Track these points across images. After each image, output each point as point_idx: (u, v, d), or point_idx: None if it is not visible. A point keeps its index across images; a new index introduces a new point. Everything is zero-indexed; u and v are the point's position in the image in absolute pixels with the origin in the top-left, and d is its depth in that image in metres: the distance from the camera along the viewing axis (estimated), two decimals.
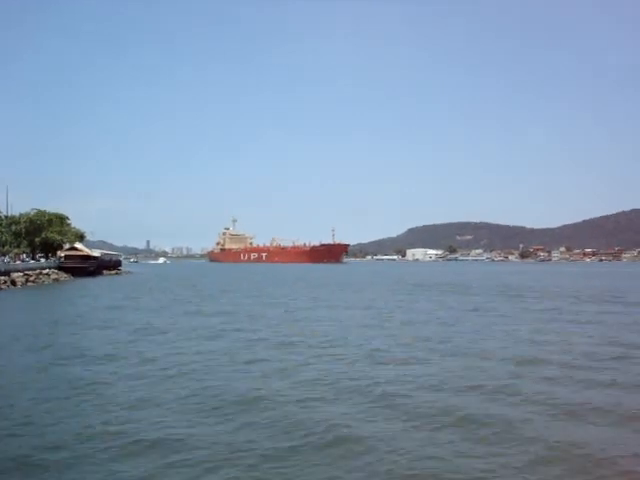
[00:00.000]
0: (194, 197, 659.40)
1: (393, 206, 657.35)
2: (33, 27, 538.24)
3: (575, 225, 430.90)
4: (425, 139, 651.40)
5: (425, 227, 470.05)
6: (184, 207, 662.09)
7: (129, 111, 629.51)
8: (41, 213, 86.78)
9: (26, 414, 12.32)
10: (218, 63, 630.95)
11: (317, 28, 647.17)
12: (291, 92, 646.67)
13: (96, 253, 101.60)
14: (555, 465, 9.51)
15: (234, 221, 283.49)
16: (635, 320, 30.19)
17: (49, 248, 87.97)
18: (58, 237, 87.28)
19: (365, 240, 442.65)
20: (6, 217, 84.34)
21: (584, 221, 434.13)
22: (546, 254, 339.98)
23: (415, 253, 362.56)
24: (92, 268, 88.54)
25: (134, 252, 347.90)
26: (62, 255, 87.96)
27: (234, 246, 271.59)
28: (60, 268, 79.86)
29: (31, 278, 64.06)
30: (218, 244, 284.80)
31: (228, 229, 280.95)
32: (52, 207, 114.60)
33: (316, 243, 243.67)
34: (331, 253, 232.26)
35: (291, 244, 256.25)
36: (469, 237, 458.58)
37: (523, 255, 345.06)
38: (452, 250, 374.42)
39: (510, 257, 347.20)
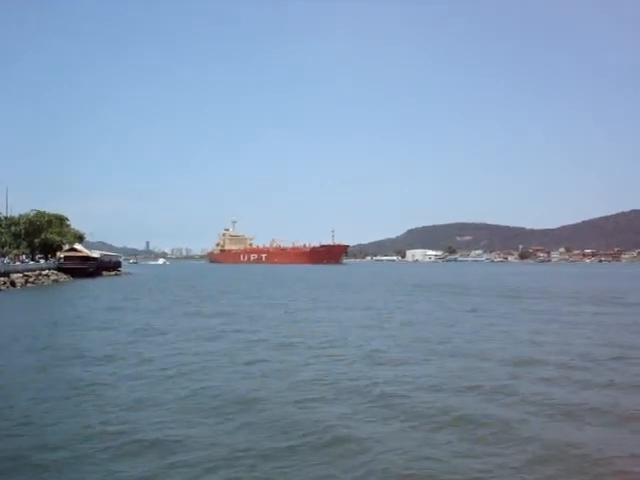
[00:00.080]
0: (194, 197, 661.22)
1: (393, 207, 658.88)
2: (33, 27, 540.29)
3: (574, 226, 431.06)
4: (425, 139, 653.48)
5: (425, 228, 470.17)
6: (184, 207, 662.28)
7: (129, 111, 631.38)
8: (40, 214, 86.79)
9: (26, 414, 12.36)
10: (218, 63, 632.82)
11: (317, 28, 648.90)
12: (291, 92, 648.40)
13: (95, 254, 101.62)
14: (552, 465, 9.55)
15: (234, 222, 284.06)
16: (634, 321, 30.23)
17: (48, 249, 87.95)
18: (57, 238, 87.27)
19: (365, 241, 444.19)
20: (5, 218, 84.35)
21: (584, 222, 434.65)
22: (545, 255, 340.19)
23: (415, 254, 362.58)
24: (91, 269, 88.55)
25: (133, 253, 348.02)
26: (61, 256, 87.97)
27: (234, 247, 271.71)
28: (59, 269, 79.88)
29: (30, 279, 64.07)
30: (218, 245, 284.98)
31: (228, 230, 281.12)
32: (52, 207, 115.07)
33: (316, 244, 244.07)
34: (331, 254, 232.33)
35: (291, 245, 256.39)
36: (469, 238, 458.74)
37: (523, 256, 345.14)
38: (451, 251, 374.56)
39: (510, 258, 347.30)
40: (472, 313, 34.37)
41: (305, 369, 17.28)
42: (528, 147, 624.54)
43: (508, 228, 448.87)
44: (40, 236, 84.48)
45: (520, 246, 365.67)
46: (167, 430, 11.21)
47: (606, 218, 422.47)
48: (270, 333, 25.30)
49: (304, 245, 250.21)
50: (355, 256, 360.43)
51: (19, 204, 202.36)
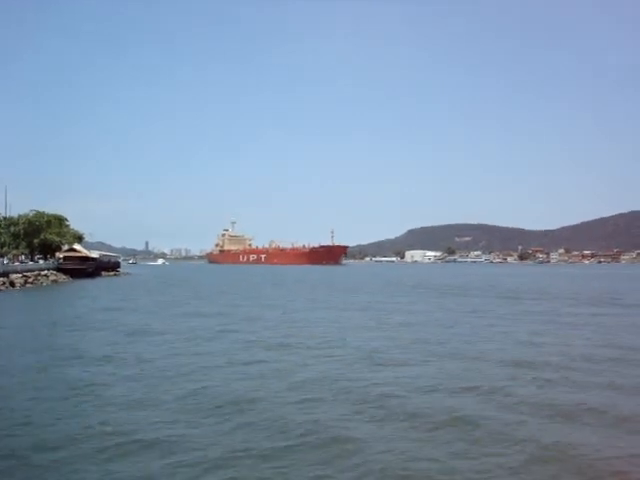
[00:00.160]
0: (194, 197, 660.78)
1: (392, 207, 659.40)
2: (33, 27, 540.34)
3: (574, 227, 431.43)
4: (425, 139, 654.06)
5: (424, 229, 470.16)
6: (183, 208, 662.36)
7: (129, 111, 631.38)
8: (40, 214, 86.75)
9: (25, 414, 12.37)
10: (218, 63, 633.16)
11: (317, 28, 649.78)
12: (291, 92, 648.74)
13: (95, 254, 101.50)
14: (550, 465, 9.58)
15: (233, 222, 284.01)
16: (633, 322, 30.28)
17: (48, 249, 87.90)
18: (57, 238, 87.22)
19: (364, 242, 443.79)
20: (5, 218, 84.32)
21: (583, 223, 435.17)
22: (545, 256, 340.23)
23: (414, 255, 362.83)
24: (91, 269, 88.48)
25: (133, 253, 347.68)
26: (61, 256, 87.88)
27: (233, 247, 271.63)
28: (59, 269, 79.77)
29: (30, 279, 64.02)
30: (217, 245, 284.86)
31: (227, 230, 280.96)
32: (51, 207, 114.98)
33: (315, 245, 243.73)
34: (330, 255, 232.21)
35: (290, 246, 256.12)
36: (468, 239, 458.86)
37: (522, 257, 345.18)
38: (451, 252, 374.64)
39: (509, 259, 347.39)
40: (471, 314, 34.39)
41: (303, 370, 17.29)
42: (528, 147, 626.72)
43: (507, 229, 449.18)
44: (39, 236, 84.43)
45: (519, 247, 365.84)
46: (166, 430, 11.22)
47: (605, 219, 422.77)
48: (269, 334, 25.30)
49: (303, 246, 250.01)
50: (354, 257, 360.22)
51: (19, 204, 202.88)
